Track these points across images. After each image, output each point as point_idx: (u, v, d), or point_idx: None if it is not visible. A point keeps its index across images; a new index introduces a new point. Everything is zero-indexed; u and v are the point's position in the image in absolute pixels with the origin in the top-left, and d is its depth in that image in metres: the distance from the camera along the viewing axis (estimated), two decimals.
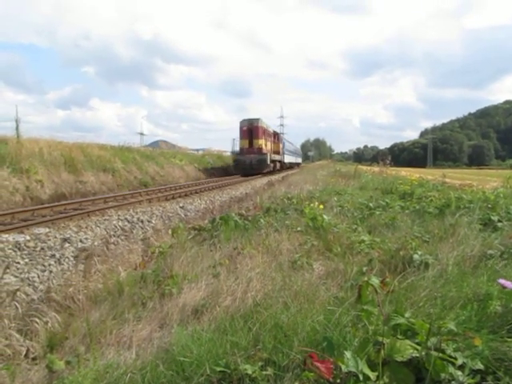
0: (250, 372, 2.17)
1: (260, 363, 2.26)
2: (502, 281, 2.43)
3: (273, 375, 2.16)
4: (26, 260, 7.12)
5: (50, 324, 4.71)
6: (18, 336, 4.38)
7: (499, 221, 5.80)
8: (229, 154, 41.56)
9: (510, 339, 2.11)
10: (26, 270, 6.69)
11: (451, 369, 1.84)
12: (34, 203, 13.63)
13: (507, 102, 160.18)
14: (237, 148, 34.26)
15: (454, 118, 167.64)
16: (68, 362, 3.19)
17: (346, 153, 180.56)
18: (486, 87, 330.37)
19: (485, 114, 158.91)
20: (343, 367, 1.81)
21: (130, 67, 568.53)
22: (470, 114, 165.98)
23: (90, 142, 24.01)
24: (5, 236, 8.07)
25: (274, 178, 29.24)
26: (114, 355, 3.19)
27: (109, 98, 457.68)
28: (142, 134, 63.17)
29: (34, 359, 4.03)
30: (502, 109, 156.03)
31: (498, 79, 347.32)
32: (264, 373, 2.17)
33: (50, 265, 7.17)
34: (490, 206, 7.12)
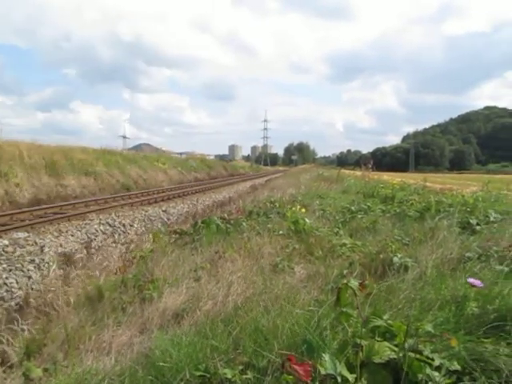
0: (229, 376, 2.16)
1: (240, 367, 2.25)
2: (470, 280, 2.48)
3: (252, 379, 2.15)
4: (4, 265, 6.98)
5: (27, 330, 4.61)
6: None
7: (478, 224, 5.90)
8: (212, 157, 41.71)
9: (486, 340, 2.14)
10: (4, 276, 6.56)
11: (428, 370, 1.85)
12: (12, 207, 13.37)
13: (487, 108, 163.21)
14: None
15: (435, 123, 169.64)
16: (46, 370, 3.14)
17: (329, 157, 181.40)
18: (466, 93, 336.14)
19: (465, 119, 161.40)
20: (321, 370, 1.82)
21: (112, 69, 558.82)
22: (451, 119, 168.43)
23: (71, 144, 23.75)
24: None
25: (257, 181, 29.20)
26: (93, 361, 3.14)
27: (90, 100, 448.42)
28: (124, 137, 62.85)
29: (10, 367, 3.93)
30: (483, 114, 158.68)
31: (478, 85, 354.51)
32: (244, 376, 2.16)
33: (29, 270, 7.04)
34: (469, 209, 7.24)
